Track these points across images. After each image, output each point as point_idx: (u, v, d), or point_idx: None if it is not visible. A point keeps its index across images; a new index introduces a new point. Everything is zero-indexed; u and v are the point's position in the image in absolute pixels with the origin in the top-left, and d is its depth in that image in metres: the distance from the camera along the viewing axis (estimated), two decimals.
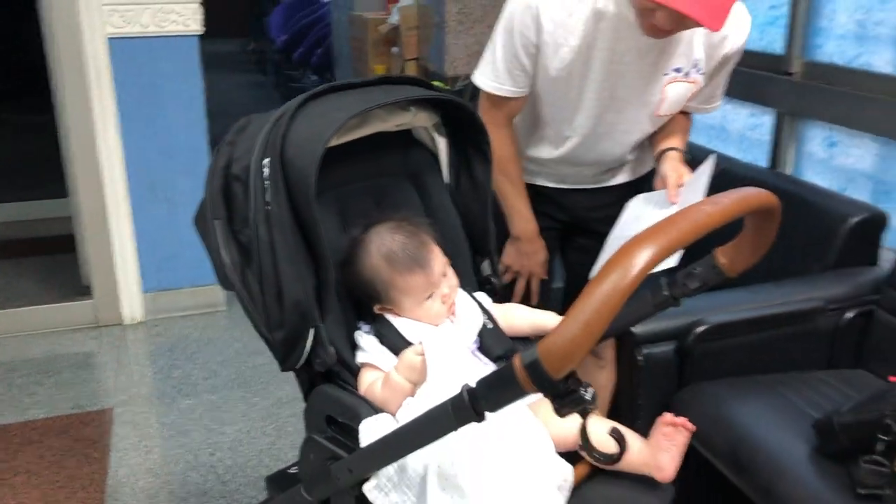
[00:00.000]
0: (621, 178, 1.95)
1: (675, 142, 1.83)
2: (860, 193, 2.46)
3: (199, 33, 3.04)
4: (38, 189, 4.43)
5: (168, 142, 3.10)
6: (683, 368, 1.97)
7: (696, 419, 1.88)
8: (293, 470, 1.71)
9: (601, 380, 1.99)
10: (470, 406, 0.98)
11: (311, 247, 1.25)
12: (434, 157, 1.49)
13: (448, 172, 1.50)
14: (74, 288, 3.35)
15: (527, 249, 1.90)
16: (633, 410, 2.02)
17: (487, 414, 0.98)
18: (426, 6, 4.62)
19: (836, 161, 2.56)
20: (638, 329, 1.96)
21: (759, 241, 1.16)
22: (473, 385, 0.98)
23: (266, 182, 1.22)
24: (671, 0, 1.41)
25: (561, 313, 1.33)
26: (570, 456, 1.25)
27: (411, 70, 4.89)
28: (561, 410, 0.91)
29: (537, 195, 1.91)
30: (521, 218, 1.86)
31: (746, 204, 1.04)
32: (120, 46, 2.95)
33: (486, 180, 1.46)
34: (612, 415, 2.06)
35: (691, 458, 1.90)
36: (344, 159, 1.36)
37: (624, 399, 2.04)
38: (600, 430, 1.18)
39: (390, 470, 1.18)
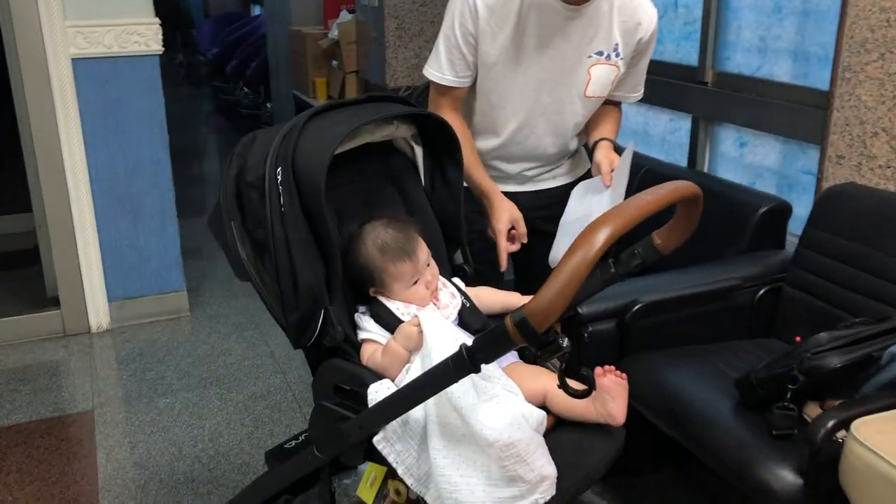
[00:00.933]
0: (560, 181, 2.20)
1: (605, 132, 2.08)
2: (767, 187, 2.81)
3: (159, 52, 3.20)
4: None
5: (131, 156, 3.26)
6: (623, 342, 2.26)
7: (636, 385, 2.17)
8: (289, 445, 1.93)
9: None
10: (468, 360, 1.22)
11: (319, 241, 1.47)
12: (412, 163, 1.73)
13: (424, 176, 1.74)
14: (40, 300, 3.46)
15: (496, 204, 1.98)
16: (581, 380, 2.31)
17: (482, 366, 1.23)
18: (364, 22, 4.84)
19: (747, 159, 2.91)
20: (583, 309, 2.25)
21: (687, 224, 1.45)
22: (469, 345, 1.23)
23: (280, 187, 1.44)
24: None
25: None
26: None
27: (352, 82, 5.12)
28: (544, 357, 1.17)
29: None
30: (482, 180, 2.01)
31: (678, 193, 1.32)
32: (84, 66, 3.10)
33: (457, 182, 1.71)
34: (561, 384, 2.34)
35: (633, 418, 2.20)
36: (338, 166, 1.59)
37: (573, 370, 2.31)
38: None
39: (395, 424, 1.41)
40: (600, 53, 1.96)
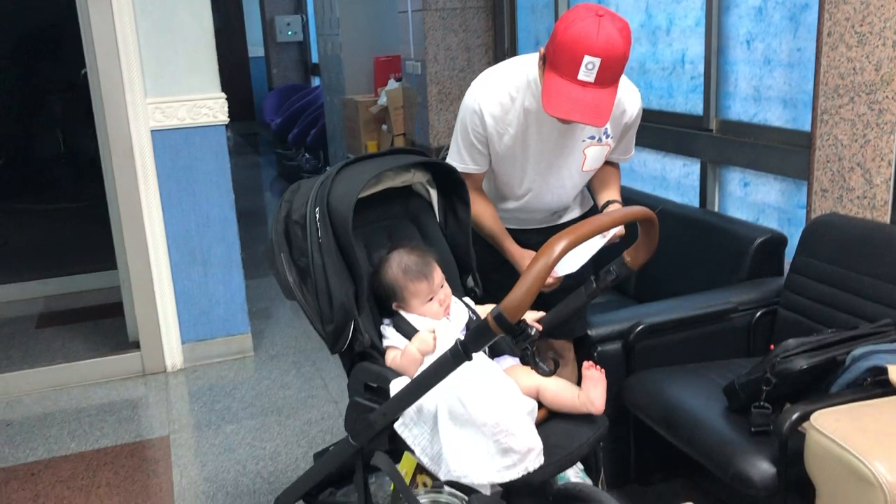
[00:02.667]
0: (568, 217, 2.51)
1: (611, 193, 2.37)
2: (769, 221, 3.07)
3: (225, 122, 3.67)
4: (74, 266, 5.04)
5: (202, 214, 3.70)
6: (629, 361, 2.54)
7: (639, 398, 2.47)
8: (332, 446, 2.26)
9: (564, 375, 2.53)
10: (462, 351, 1.55)
11: (349, 267, 1.82)
12: (429, 204, 2.09)
13: (439, 214, 2.09)
14: (123, 344, 3.90)
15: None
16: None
17: (473, 355, 1.55)
18: (410, 88, 5.30)
19: (750, 198, 3.18)
20: (592, 332, 2.54)
21: (649, 243, 1.76)
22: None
23: (318, 224, 1.80)
24: (567, 115, 1.95)
25: None
26: None
27: (399, 143, 5.56)
28: (518, 343, 1.48)
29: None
30: (511, 245, 2.35)
31: (630, 215, 1.63)
32: (161, 137, 3.57)
33: (466, 218, 2.06)
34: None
35: (644, 431, 2.46)
36: (366, 208, 1.96)
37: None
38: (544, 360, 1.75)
39: (411, 412, 1.73)
40: (592, 137, 2.26)
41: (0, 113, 7.84)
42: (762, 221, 3.10)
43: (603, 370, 1.82)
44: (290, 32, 10.88)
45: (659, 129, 3.54)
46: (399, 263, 1.89)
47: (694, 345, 2.62)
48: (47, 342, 4.19)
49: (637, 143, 3.80)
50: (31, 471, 2.97)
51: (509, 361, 1.90)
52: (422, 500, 1.87)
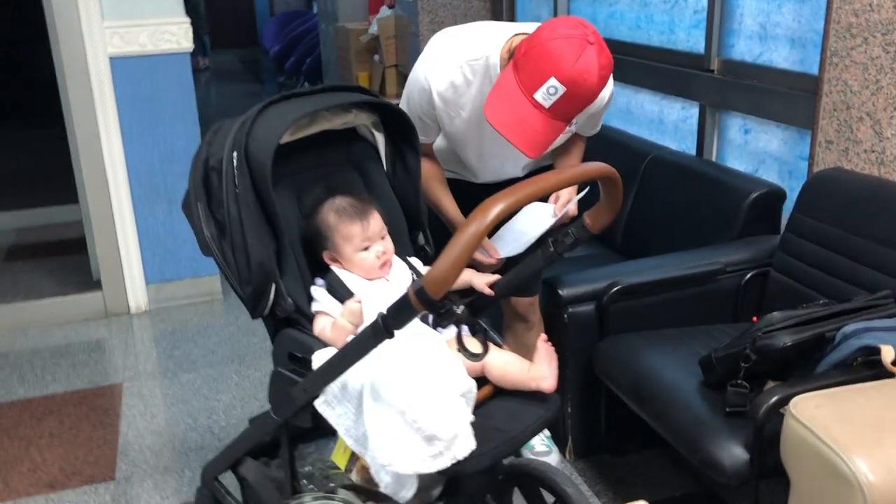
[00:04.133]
0: (524, 172, 2.27)
1: (571, 161, 2.12)
2: (769, 173, 2.81)
3: (189, 50, 3.41)
4: (52, 196, 4.83)
5: (166, 148, 3.47)
6: (603, 324, 2.33)
7: (609, 364, 2.27)
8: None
9: (530, 339, 2.32)
10: (383, 327, 1.34)
11: (270, 221, 1.60)
12: (375, 149, 1.85)
13: (386, 162, 1.86)
14: (86, 283, 3.72)
15: None
16: (561, 361, 2.37)
17: (396, 332, 1.34)
18: (403, 16, 4.98)
19: (751, 146, 2.91)
20: (563, 292, 2.33)
21: (610, 205, 1.53)
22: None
23: (235, 170, 1.58)
24: (502, 129, 1.69)
25: None
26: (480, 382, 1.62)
27: (391, 76, 5.27)
28: (442, 322, 1.27)
29: (458, 189, 2.19)
30: (452, 211, 2.14)
31: (585, 172, 1.40)
32: (120, 64, 3.32)
33: (416, 167, 1.82)
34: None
35: (607, 393, 2.27)
36: (298, 152, 1.72)
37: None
38: (474, 341, 1.54)
39: (335, 388, 1.54)
40: None
41: None
42: (762, 173, 2.84)
43: (552, 346, 1.61)
44: None
45: (657, 69, 3.26)
46: (332, 205, 1.68)
47: (675, 308, 2.40)
48: (14, 277, 4.02)
49: (635, 84, 3.55)
50: None
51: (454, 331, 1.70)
52: None
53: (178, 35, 3.36)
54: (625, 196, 3.02)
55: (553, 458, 2.40)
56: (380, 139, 1.84)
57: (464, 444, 1.44)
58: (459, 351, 1.40)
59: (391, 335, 1.34)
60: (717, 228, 2.60)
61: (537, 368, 1.58)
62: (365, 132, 1.84)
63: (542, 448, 2.41)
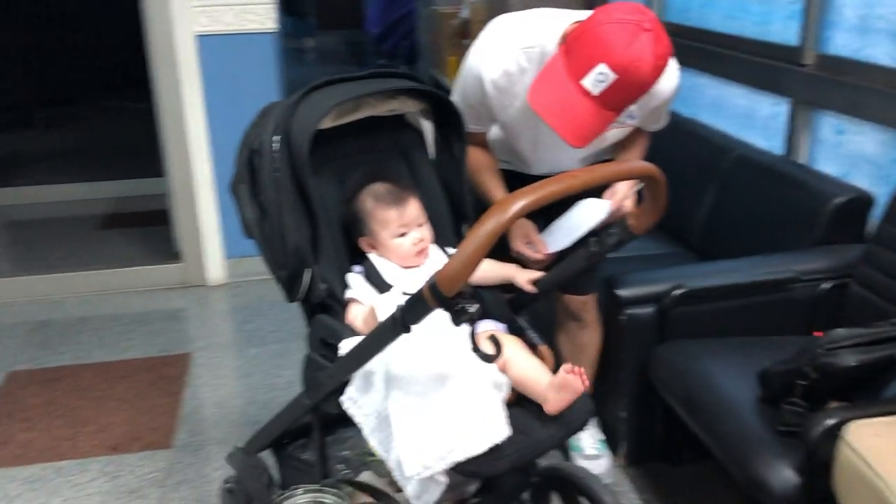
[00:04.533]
0: (582, 165, 2.16)
1: (631, 157, 2.04)
2: (860, 178, 2.62)
3: (274, 30, 3.45)
4: (149, 167, 5.02)
5: None
6: (663, 328, 2.23)
7: (664, 371, 2.17)
8: None
9: (583, 339, 2.26)
10: (400, 321, 1.31)
11: (307, 205, 1.60)
12: (421, 137, 1.82)
13: (434, 150, 1.82)
14: (168, 254, 3.85)
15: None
16: (617, 364, 2.30)
17: (412, 327, 1.30)
18: (494, 0, 4.90)
19: (844, 148, 2.72)
20: (622, 292, 2.24)
21: (655, 206, 1.44)
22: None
23: (275, 154, 1.57)
24: (543, 114, 1.63)
25: None
26: None
27: None
28: (455, 320, 1.23)
29: (514, 181, 2.12)
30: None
31: (627, 171, 1.32)
32: (206, 43, 3.40)
33: (461, 156, 1.78)
34: (598, 369, 2.34)
35: (661, 401, 2.18)
36: (345, 138, 1.71)
37: (609, 354, 2.31)
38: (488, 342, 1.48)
39: (359, 382, 1.52)
40: None
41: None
42: (853, 177, 2.65)
43: (586, 381, 1.51)
44: None
45: (748, 61, 3.08)
46: (370, 190, 1.66)
47: (743, 316, 2.28)
48: (106, 245, 4.21)
49: (723, 76, 3.37)
50: (53, 376, 2.97)
51: (490, 327, 1.65)
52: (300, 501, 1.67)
53: (262, 15, 3.41)
54: (705, 194, 2.96)
55: (603, 463, 2.33)
56: (427, 127, 1.81)
57: (498, 431, 1.41)
58: (474, 350, 1.36)
59: (407, 329, 1.31)
60: (796, 234, 2.44)
61: (551, 391, 1.51)
62: (412, 119, 1.81)
63: (592, 451, 2.34)
